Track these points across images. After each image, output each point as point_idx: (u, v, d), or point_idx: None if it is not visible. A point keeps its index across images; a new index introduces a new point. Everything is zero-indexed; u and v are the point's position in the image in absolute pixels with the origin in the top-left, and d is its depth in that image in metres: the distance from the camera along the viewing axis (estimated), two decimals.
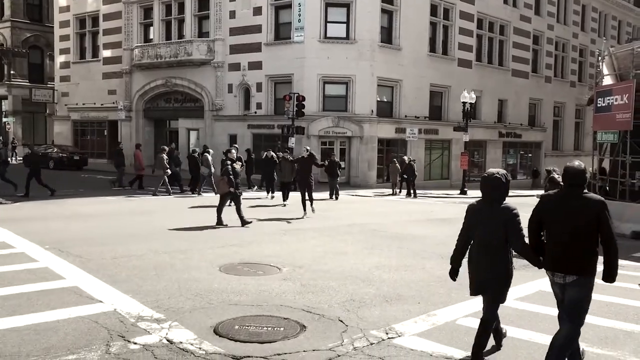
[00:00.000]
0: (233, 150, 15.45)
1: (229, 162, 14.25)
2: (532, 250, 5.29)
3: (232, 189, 13.92)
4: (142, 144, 38.86)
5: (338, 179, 23.58)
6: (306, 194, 16.95)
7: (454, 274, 5.68)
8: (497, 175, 5.44)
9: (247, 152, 26.73)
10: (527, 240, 5.33)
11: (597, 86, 18.64)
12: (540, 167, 41.77)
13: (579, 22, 47.38)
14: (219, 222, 14.09)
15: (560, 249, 5.03)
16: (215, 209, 14.44)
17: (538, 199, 5.50)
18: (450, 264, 5.69)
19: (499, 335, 6.00)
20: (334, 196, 22.91)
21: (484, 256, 5.42)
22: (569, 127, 47.03)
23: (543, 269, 5.31)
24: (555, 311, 7.32)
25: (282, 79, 31.65)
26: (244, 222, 14.07)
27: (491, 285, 5.46)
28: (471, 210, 5.61)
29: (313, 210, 16.97)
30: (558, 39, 44.94)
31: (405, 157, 27.77)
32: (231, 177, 13.90)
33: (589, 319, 6.11)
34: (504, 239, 5.33)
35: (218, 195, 17.38)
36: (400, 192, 27.27)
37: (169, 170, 22.61)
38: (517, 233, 5.29)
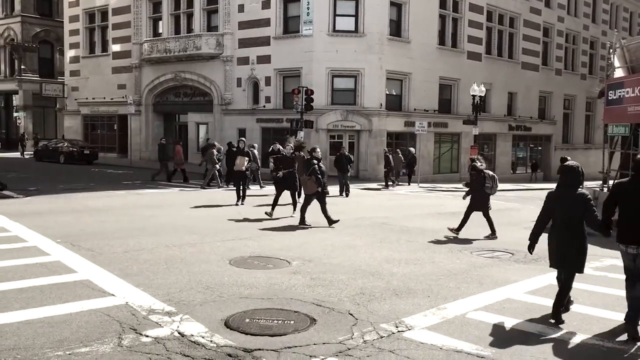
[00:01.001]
0: (318, 149, 14.55)
1: (315, 162, 13.67)
2: (604, 225, 6.53)
3: (319, 189, 13.48)
4: (152, 138, 39.24)
5: (349, 174, 22.45)
6: (293, 193, 15.46)
7: (531, 248, 6.99)
8: (574, 166, 6.76)
9: (228, 145, 26.92)
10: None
11: (608, 79, 18.48)
12: (543, 160, 41.61)
13: (589, 14, 46.96)
14: (302, 222, 13.62)
15: (636, 225, 6.17)
16: (300, 208, 14.04)
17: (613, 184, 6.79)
18: (529, 239, 6.98)
19: (568, 302, 7.10)
20: (344, 193, 21.75)
21: (565, 232, 6.70)
22: (579, 120, 46.72)
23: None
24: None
25: (291, 73, 31.64)
26: (331, 222, 13.55)
27: (572, 257, 6.73)
28: (551, 196, 6.88)
29: (294, 213, 15.03)
30: (568, 31, 44.59)
31: (394, 149, 28.06)
32: (319, 176, 13.45)
33: (603, 313, 6.10)
34: (581, 217, 6.60)
35: (223, 191, 16.97)
36: (397, 183, 27.67)
37: (218, 165, 23.06)
38: (593, 212, 6.54)
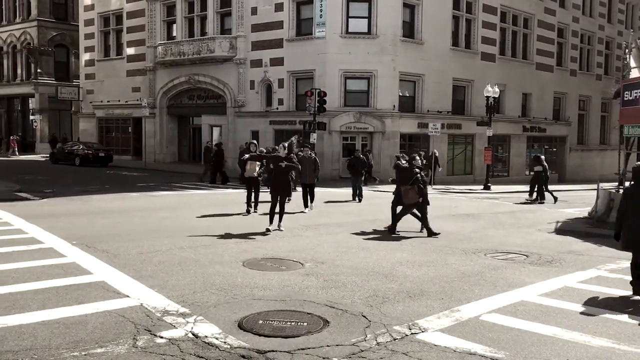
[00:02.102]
0: (418, 157, 13.78)
1: (417, 170, 13.06)
2: None
3: (421, 200, 12.97)
4: (166, 141, 39.54)
5: (363, 177, 21.45)
6: (278, 202, 13.04)
7: (617, 236, 8.27)
8: None
9: (217, 145, 27.09)
10: None
11: (624, 79, 18.33)
12: (558, 162, 41.22)
13: (605, 14, 46.53)
14: (431, 233, 12.88)
15: None
16: (397, 215, 13.35)
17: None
18: (615, 229, 8.29)
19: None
20: (357, 198, 20.68)
21: (638, 222, 7.85)
22: (594, 121, 46.29)
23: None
24: (580, 307, 7.31)
25: (304, 75, 31.70)
26: (432, 233, 12.91)
27: None
28: (627, 191, 8.45)
29: (280, 226, 12.96)
30: (583, 31, 44.21)
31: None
32: (421, 186, 12.89)
33: (619, 317, 6.03)
34: None
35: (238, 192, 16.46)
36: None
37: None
38: None
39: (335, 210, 16.99)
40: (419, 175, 12.99)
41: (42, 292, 7.37)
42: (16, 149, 43.76)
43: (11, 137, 45.66)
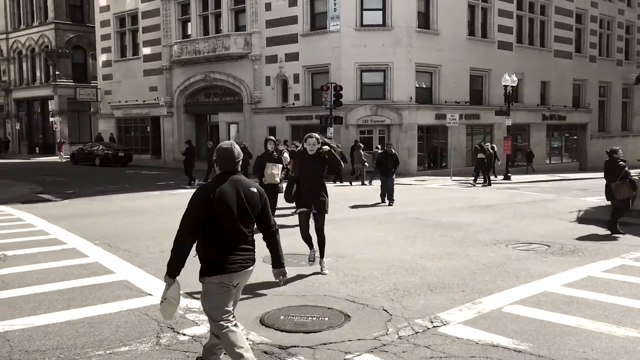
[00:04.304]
0: (620, 151, 12.73)
1: (623, 164, 12.28)
2: None
3: (635, 193, 12.36)
4: (184, 139, 39.71)
5: (394, 176, 18.23)
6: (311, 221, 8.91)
7: None
8: None
9: (187, 143, 25.73)
10: None
11: None
12: (579, 149, 40.63)
13: None
14: (615, 231, 12.25)
15: None
16: (611, 217, 12.64)
17: None
18: None
19: None
20: (387, 200, 17.62)
21: None
22: (615, 107, 45.61)
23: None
24: (604, 297, 7.23)
25: (319, 69, 31.66)
26: (616, 231, 12.25)
27: None
28: None
29: (322, 267, 8.66)
30: (602, 16, 43.52)
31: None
32: (632, 179, 12.22)
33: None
34: None
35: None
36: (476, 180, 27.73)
37: (367, 163, 24.71)
38: None
39: (356, 208, 16.90)
40: (627, 168, 12.34)
41: (67, 292, 7.46)
42: (63, 152, 43.95)
43: (58, 141, 45.99)
